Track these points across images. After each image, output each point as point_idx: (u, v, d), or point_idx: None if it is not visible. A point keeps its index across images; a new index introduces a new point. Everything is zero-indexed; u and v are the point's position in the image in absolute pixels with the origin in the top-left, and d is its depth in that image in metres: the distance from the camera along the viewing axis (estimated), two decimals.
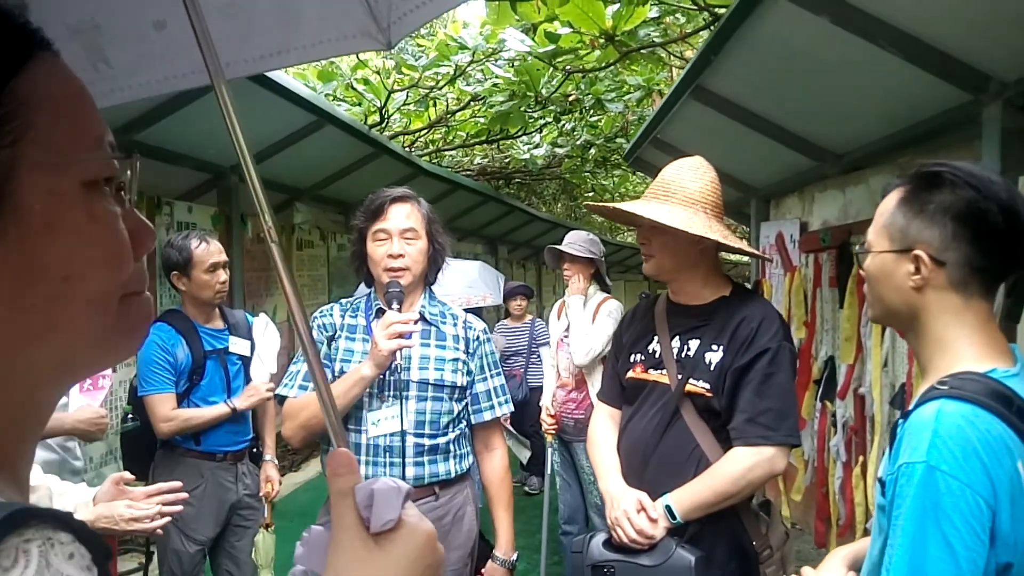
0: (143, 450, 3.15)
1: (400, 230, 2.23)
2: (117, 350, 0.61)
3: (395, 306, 2.15)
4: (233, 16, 1.36)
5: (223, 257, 3.18)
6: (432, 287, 2.38)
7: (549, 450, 4.36)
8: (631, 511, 2.02)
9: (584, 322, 4.12)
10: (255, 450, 3.28)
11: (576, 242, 4.24)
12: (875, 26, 2.50)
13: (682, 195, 2.10)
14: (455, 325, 2.32)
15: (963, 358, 1.32)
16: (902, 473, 1.25)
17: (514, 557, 2.31)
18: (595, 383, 4.05)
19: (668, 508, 2.01)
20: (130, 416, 3.19)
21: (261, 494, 3.24)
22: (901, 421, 1.34)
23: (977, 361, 1.31)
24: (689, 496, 2.00)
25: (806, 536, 4.42)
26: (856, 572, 1.50)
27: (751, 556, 2.06)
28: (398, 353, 2.12)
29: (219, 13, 1.34)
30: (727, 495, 1.99)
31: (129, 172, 0.62)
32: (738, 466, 1.99)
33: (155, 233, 0.63)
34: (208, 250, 3.11)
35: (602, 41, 4.65)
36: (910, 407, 1.35)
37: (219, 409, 3.07)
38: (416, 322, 2.24)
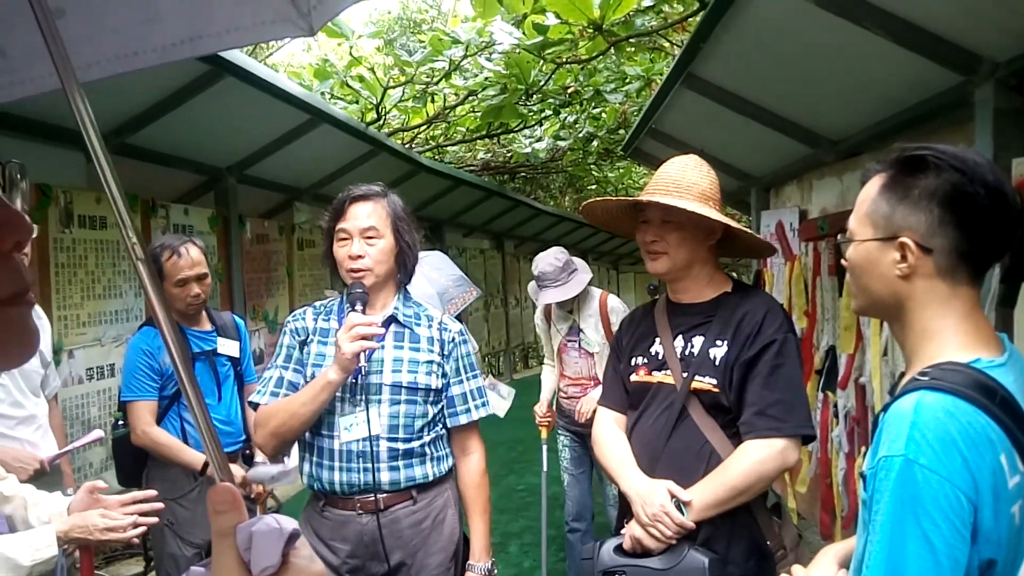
0: (135, 457, 3.13)
1: (360, 230, 2.17)
2: None
3: (358, 307, 2.11)
4: (138, 3, 1.28)
5: (195, 271, 3.03)
6: (408, 287, 2.33)
7: (544, 447, 4.33)
8: (669, 507, 1.96)
9: (595, 330, 4.18)
10: (247, 452, 3.26)
11: (560, 279, 4.13)
12: (862, 9, 2.45)
13: (696, 191, 2.07)
14: (429, 327, 2.27)
15: (947, 348, 1.28)
16: (881, 467, 1.21)
17: (489, 564, 2.25)
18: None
19: (679, 506, 1.98)
20: (121, 423, 3.18)
21: (252, 496, 3.22)
22: (882, 413, 1.30)
23: (961, 351, 1.26)
24: (702, 494, 1.96)
25: (812, 528, 4.37)
26: (848, 570, 1.46)
27: (768, 556, 2.03)
28: (364, 356, 2.07)
29: (123, 1, 1.26)
30: (739, 490, 1.96)
31: (3, 171, 0.58)
32: (749, 460, 1.96)
33: (28, 226, 0.58)
34: (177, 264, 2.99)
35: (591, 31, 4.59)
36: (892, 399, 1.31)
37: (193, 458, 3.02)
38: (388, 324, 2.20)
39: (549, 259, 4.17)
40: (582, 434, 4.23)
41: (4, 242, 0.56)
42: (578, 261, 4.34)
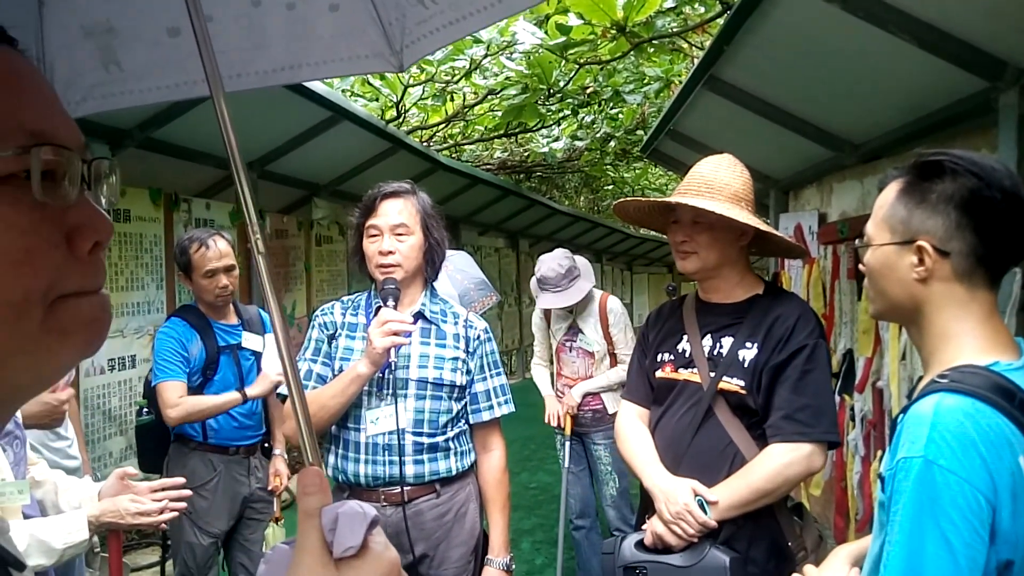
0: (157, 444, 3.19)
1: (391, 226, 2.21)
2: (54, 356, 0.57)
3: (390, 303, 2.14)
4: (247, 28, 1.38)
5: (223, 263, 3.10)
6: (434, 284, 2.36)
7: (567, 444, 4.35)
8: (693, 505, 1.97)
9: (595, 330, 4.24)
10: (267, 444, 3.31)
11: (561, 285, 4.14)
12: (887, 13, 2.45)
13: (728, 192, 2.07)
14: (456, 324, 2.30)
15: (965, 351, 1.30)
16: (900, 468, 1.22)
17: (508, 559, 2.28)
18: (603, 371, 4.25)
19: (702, 505, 2.00)
20: (145, 410, 3.23)
21: (270, 488, 3.26)
22: (901, 415, 1.31)
23: (979, 354, 1.28)
24: (726, 494, 1.98)
25: (826, 530, 4.37)
26: (860, 569, 1.48)
27: (789, 557, 2.03)
28: (394, 351, 2.11)
29: (234, 25, 1.37)
30: (764, 492, 1.97)
31: (89, 168, 0.59)
32: (775, 463, 1.96)
33: (109, 226, 0.60)
34: (206, 256, 3.05)
35: (613, 32, 4.61)
36: (910, 401, 1.32)
37: (229, 396, 3.02)
38: (415, 320, 2.23)
39: (553, 264, 4.17)
40: (580, 432, 4.30)
41: (84, 242, 0.58)
42: (581, 263, 4.33)
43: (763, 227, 2.05)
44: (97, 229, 0.59)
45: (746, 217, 2.03)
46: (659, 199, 2.18)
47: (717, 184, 2.08)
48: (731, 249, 2.10)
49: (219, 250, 3.08)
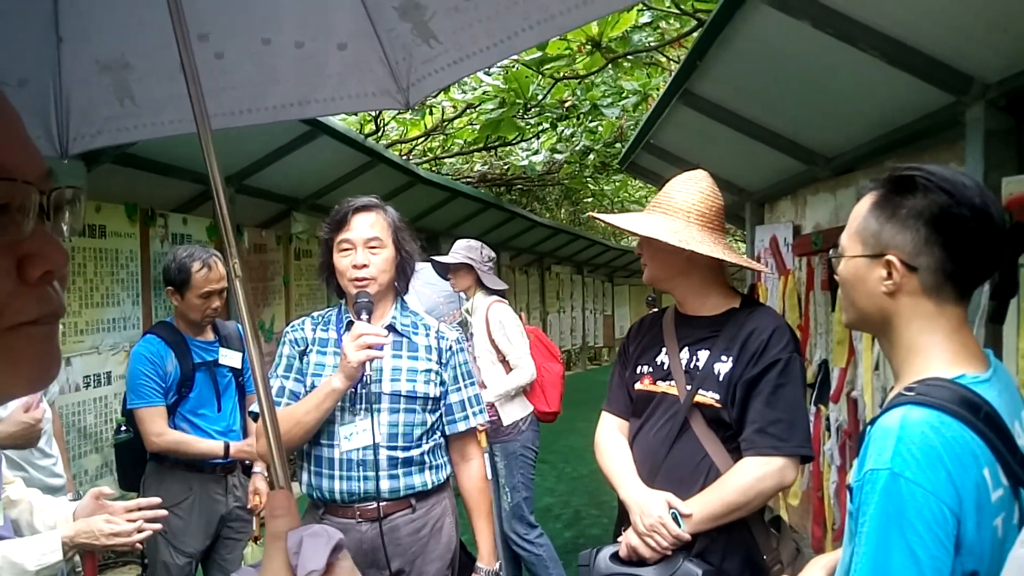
0: (136, 462, 3.16)
1: (364, 240, 2.21)
2: (2, 384, 0.57)
3: (363, 317, 2.14)
4: (258, 65, 1.42)
5: (221, 285, 3.11)
6: (404, 297, 2.37)
7: (496, 457, 4.35)
8: (667, 518, 1.98)
9: (481, 338, 4.23)
10: (247, 462, 3.28)
11: (455, 249, 4.32)
12: (856, 29, 2.49)
13: (666, 205, 2.11)
14: (427, 335, 2.31)
15: (933, 364, 1.31)
16: (867, 480, 1.24)
17: (496, 567, 2.29)
18: (489, 385, 4.18)
19: (676, 517, 2.00)
20: (123, 428, 3.20)
21: (249, 507, 3.24)
22: (868, 427, 1.33)
23: (947, 367, 1.29)
24: (698, 507, 1.98)
25: (804, 540, 4.40)
26: None
27: (763, 570, 2.04)
28: (368, 365, 2.11)
29: (246, 62, 1.40)
30: (736, 506, 1.98)
31: (48, 198, 0.58)
32: (747, 476, 1.97)
33: (63, 257, 0.59)
34: (207, 277, 3.06)
35: (589, 47, 4.65)
36: (877, 413, 1.34)
37: (213, 446, 3.04)
38: (387, 333, 2.24)
39: (464, 240, 4.39)
40: (491, 443, 4.30)
41: (34, 270, 0.57)
42: (492, 280, 4.36)
43: (658, 236, 2.01)
44: (48, 259, 0.58)
45: (651, 229, 2.03)
46: (607, 215, 2.25)
47: (662, 198, 2.14)
48: (673, 262, 2.10)
49: (220, 272, 3.11)
